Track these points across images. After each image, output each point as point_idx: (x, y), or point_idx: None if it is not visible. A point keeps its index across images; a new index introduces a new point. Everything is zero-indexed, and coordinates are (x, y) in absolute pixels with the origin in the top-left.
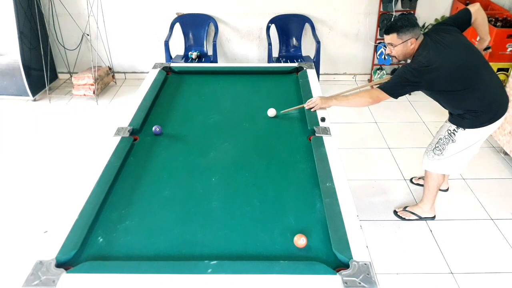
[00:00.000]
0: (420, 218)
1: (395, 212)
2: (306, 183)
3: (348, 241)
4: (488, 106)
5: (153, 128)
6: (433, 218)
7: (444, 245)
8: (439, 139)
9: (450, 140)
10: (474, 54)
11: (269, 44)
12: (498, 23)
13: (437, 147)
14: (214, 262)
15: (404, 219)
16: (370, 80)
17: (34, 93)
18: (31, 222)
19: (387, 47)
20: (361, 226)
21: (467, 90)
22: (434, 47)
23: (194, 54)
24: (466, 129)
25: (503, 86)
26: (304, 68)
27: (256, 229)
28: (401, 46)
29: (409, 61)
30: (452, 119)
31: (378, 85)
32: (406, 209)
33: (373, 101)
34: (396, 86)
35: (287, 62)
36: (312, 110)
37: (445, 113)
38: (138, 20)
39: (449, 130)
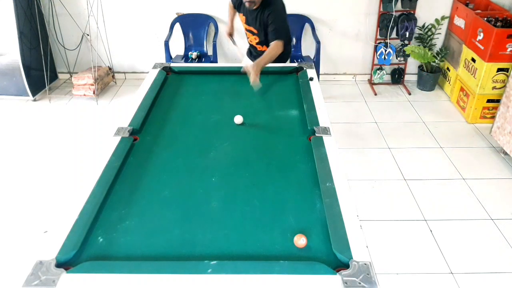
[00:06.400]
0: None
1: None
2: (306, 183)
3: (348, 241)
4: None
5: None
6: None
7: (444, 245)
8: None
9: None
10: None
11: None
12: (498, 23)
13: None
14: (214, 262)
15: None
16: (370, 80)
17: (34, 93)
18: (31, 222)
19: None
20: (361, 226)
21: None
22: None
23: (194, 54)
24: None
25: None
26: (304, 68)
27: (256, 229)
28: None
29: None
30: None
31: (274, 38)
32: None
33: (280, 50)
34: (285, 29)
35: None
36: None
37: (444, 113)
38: (138, 20)
39: None
